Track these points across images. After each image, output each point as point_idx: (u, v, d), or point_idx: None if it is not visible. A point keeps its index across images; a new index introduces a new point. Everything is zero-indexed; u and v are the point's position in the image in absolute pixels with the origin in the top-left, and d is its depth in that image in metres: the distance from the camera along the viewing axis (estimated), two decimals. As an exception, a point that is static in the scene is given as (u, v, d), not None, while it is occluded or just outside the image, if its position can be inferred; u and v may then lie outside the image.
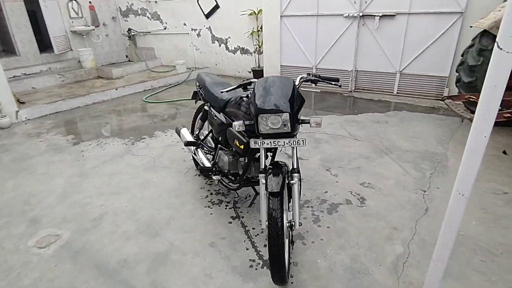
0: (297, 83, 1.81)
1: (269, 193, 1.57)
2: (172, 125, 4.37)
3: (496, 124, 3.42)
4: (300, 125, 1.76)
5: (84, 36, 7.59)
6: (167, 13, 7.63)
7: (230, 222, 2.34)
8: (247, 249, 2.08)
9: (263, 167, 1.79)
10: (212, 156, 2.59)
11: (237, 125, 1.77)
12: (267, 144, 1.70)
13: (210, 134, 2.73)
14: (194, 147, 2.66)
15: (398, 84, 5.29)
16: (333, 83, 1.91)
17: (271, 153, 2.20)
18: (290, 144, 1.70)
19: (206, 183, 2.88)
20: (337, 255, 2.00)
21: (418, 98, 5.16)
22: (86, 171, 3.19)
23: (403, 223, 2.28)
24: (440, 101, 4.96)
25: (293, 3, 5.73)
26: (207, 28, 7.20)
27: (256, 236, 2.19)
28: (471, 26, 3.98)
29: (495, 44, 1.08)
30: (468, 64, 3.80)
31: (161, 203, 2.59)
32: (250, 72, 6.98)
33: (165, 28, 7.82)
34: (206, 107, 2.57)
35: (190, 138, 2.74)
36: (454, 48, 4.65)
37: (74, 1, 7.32)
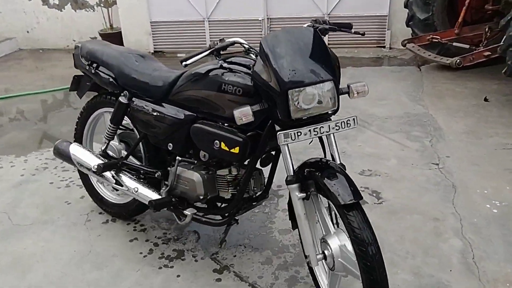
0: None
1: (343, 207, 1.52)
2: (3, 145, 3.64)
3: (475, 66, 4.24)
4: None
5: None
6: None
7: (219, 280, 2.16)
8: (270, 310, 1.97)
9: (291, 173, 1.71)
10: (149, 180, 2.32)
11: (242, 115, 1.63)
12: (305, 134, 1.63)
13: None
14: (114, 171, 2.31)
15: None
16: (352, 31, 1.97)
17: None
18: (337, 127, 1.68)
19: (135, 229, 2.56)
20: (394, 276, 2.11)
21: (357, 47, 5.85)
22: None
23: (440, 210, 2.59)
24: (383, 49, 5.77)
25: None
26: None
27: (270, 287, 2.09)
28: None
29: None
30: (421, -5, 4.54)
31: (77, 286, 2.16)
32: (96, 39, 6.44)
33: None
34: (122, 99, 2.26)
35: (95, 159, 2.35)
36: (390, -22, 5.46)
37: None
